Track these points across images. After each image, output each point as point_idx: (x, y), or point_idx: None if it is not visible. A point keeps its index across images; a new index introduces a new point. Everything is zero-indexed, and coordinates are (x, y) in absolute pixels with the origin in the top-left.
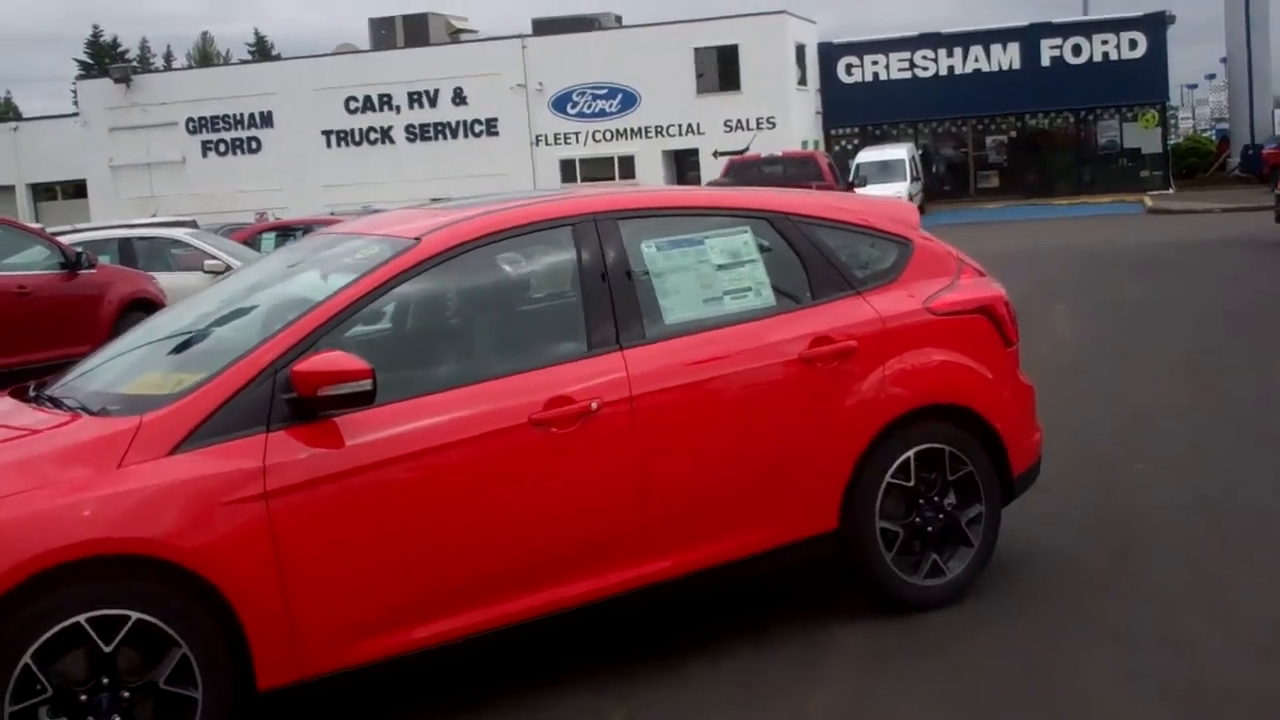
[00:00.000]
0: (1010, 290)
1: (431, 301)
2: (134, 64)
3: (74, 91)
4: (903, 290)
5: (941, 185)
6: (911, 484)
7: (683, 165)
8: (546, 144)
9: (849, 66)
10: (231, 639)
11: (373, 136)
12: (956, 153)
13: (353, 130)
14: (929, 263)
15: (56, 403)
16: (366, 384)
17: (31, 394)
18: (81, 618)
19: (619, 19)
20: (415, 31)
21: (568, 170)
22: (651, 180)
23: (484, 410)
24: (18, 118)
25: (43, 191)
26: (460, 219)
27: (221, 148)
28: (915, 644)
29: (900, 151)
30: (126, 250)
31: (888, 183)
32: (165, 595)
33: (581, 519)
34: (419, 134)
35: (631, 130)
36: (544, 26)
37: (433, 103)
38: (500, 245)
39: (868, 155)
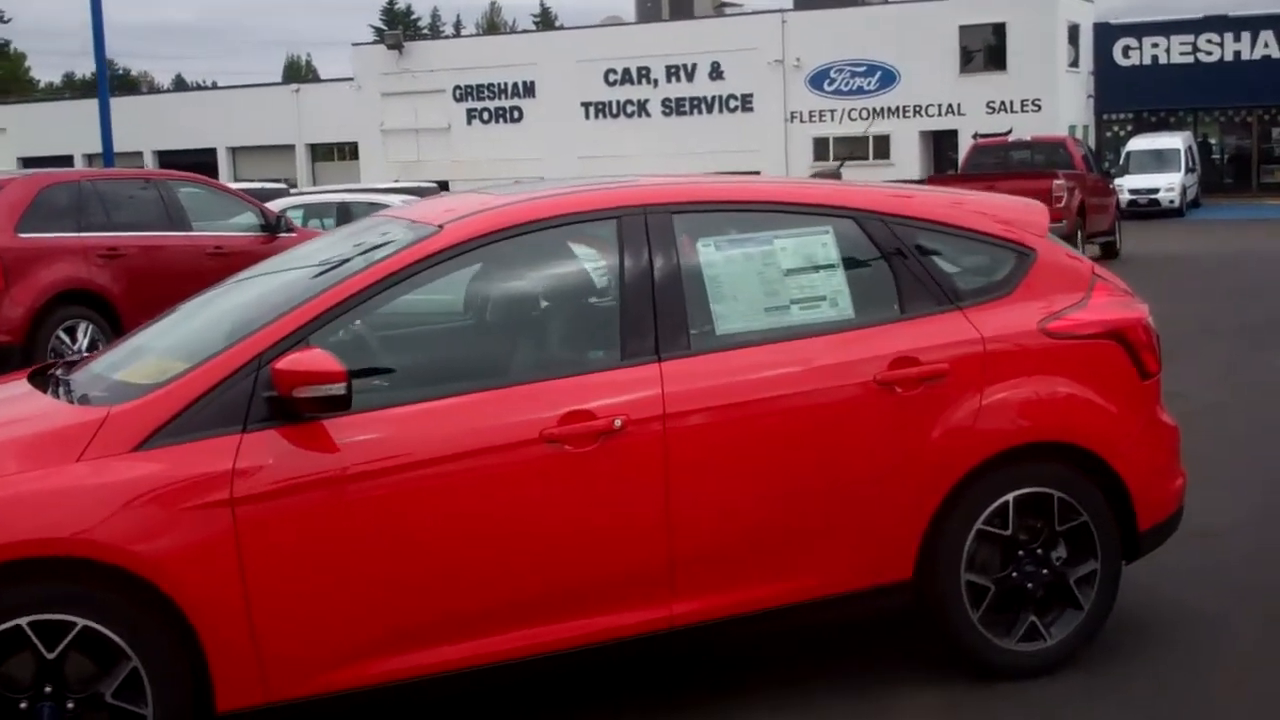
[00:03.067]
0: (1267, 299)
1: (449, 296)
2: (406, 31)
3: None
4: (1016, 307)
5: (1221, 178)
6: (1009, 533)
7: (941, 146)
8: (801, 121)
9: (1126, 49)
10: (191, 655)
11: (629, 109)
12: (1240, 144)
13: (610, 102)
14: (1054, 276)
15: (59, 386)
16: (339, 388)
17: (49, 374)
18: (23, 620)
19: None
20: (680, 5)
21: (821, 148)
22: (908, 162)
23: (491, 421)
24: (316, 80)
25: (320, 152)
26: (493, 206)
27: (485, 116)
28: (991, 715)
29: (1175, 140)
30: (344, 214)
31: (1160, 173)
32: (115, 603)
33: (595, 550)
34: (674, 108)
35: (889, 109)
36: (806, 1)
37: (690, 77)
38: (532, 237)
39: (1140, 143)
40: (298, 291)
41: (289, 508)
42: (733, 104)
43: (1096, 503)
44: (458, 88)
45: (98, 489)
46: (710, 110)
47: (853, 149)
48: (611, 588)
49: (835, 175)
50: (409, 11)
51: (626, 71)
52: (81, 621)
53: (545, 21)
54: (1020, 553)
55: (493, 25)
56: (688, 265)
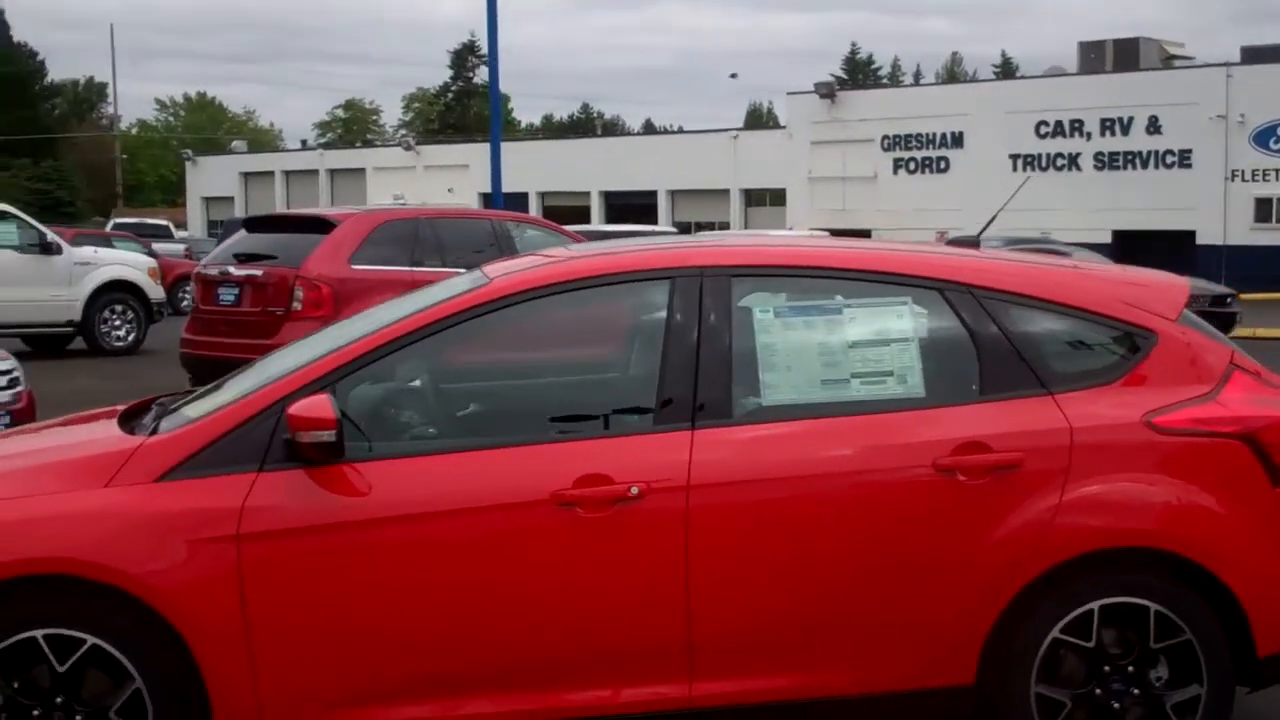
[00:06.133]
0: None
1: (488, 350)
2: (860, 81)
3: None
4: (1121, 395)
5: None
6: (1092, 645)
7: None
8: (1242, 180)
9: None
10: (192, 681)
11: (1059, 162)
12: None
13: (1039, 155)
14: (1176, 364)
15: (142, 414)
16: (328, 435)
17: (157, 401)
18: (38, 633)
19: None
20: (1125, 56)
21: (1263, 209)
22: None
23: (505, 478)
24: (776, 126)
25: (753, 197)
26: (546, 262)
27: (911, 165)
28: None
29: None
30: None
31: None
32: (122, 624)
33: (606, 620)
34: (1106, 162)
35: None
36: (1255, 55)
37: (1125, 130)
38: (580, 294)
39: None
40: (343, 336)
41: (294, 548)
42: (1169, 160)
43: (1204, 620)
44: (886, 137)
45: (114, 515)
46: (1145, 166)
47: None
48: (624, 660)
49: (974, 245)
50: (870, 60)
51: (1059, 124)
52: (90, 639)
53: (1006, 72)
54: (1106, 668)
55: (952, 75)
56: (740, 331)
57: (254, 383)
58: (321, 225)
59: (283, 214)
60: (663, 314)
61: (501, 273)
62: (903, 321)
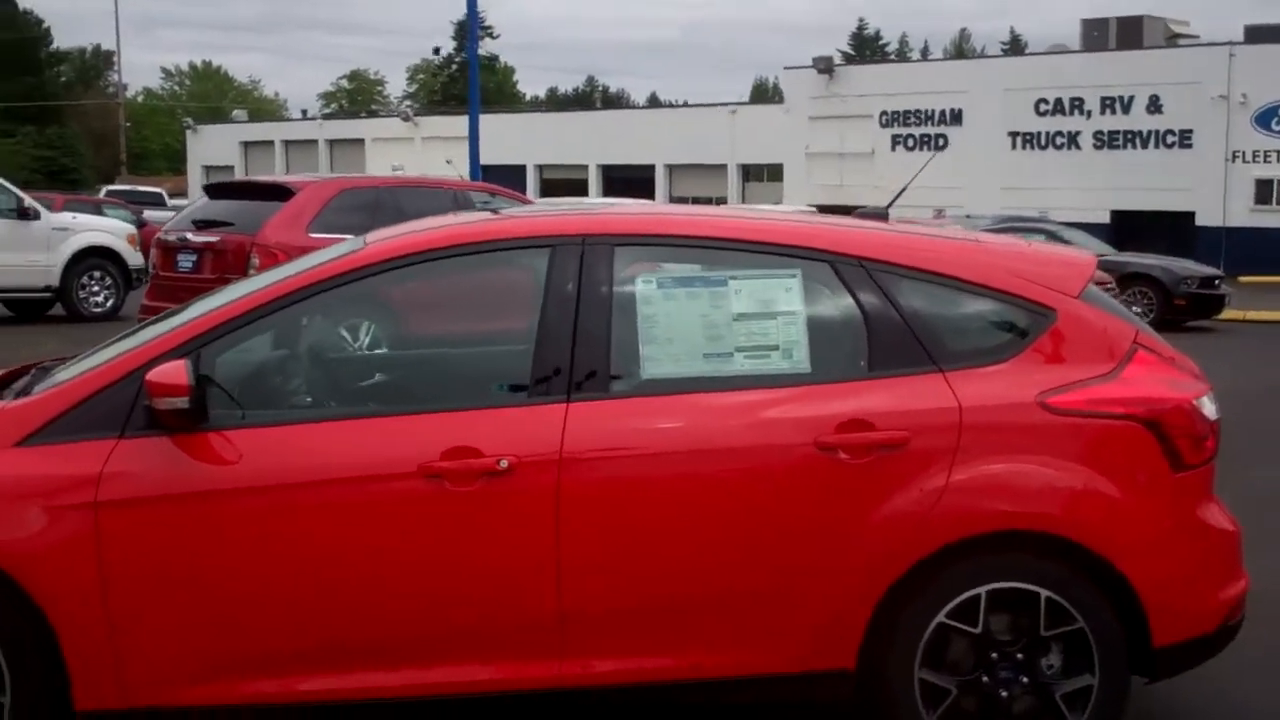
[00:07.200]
0: None
1: (359, 317)
2: (867, 56)
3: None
4: (1015, 374)
5: None
6: (978, 630)
7: None
8: (1243, 161)
9: None
10: (52, 651)
11: (1058, 141)
12: None
13: (1039, 133)
14: (1076, 342)
15: (18, 378)
16: (182, 401)
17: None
18: None
19: None
20: (1129, 34)
21: (1263, 190)
22: None
23: (374, 449)
24: (778, 101)
25: (752, 172)
26: (426, 227)
27: (910, 142)
28: None
29: None
30: None
31: None
32: None
33: (474, 596)
34: (1106, 141)
35: None
36: (1259, 34)
37: (1125, 109)
38: (458, 262)
39: None
40: (215, 302)
41: (154, 516)
42: (1170, 140)
43: (1098, 609)
44: (884, 113)
45: None
46: (1145, 145)
47: None
48: (491, 636)
49: (883, 217)
50: (878, 36)
51: (1059, 102)
52: None
53: (1014, 49)
54: (994, 655)
55: (960, 52)
56: (620, 302)
57: (124, 347)
58: (281, 192)
59: (244, 181)
60: (542, 283)
61: (380, 238)
62: (790, 294)
